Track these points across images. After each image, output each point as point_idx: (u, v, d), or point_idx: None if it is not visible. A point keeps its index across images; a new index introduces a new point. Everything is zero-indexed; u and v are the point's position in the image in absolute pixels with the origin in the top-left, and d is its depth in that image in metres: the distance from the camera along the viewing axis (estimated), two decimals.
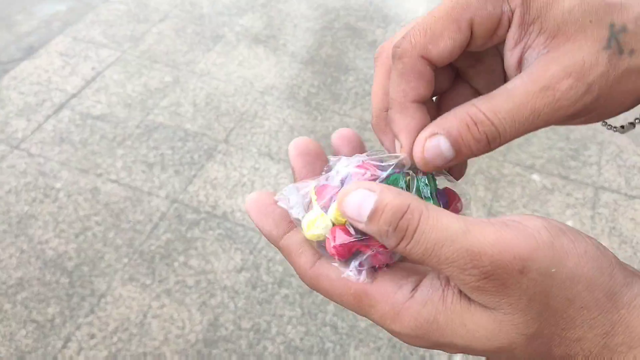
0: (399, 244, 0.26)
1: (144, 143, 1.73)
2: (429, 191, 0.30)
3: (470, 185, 1.63)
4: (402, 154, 0.30)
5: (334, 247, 0.28)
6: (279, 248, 0.31)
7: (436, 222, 0.25)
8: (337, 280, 0.28)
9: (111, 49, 2.05)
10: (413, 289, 0.27)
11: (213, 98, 1.88)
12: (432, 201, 0.30)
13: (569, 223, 1.55)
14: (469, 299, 0.26)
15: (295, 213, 0.30)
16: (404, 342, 0.28)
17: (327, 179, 0.30)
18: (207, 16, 2.23)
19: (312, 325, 1.33)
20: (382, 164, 0.30)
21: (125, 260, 1.44)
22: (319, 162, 0.32)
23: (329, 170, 0.31)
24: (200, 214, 1.54)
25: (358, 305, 0.28)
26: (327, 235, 0.28)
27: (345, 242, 0.28)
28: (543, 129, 1.63)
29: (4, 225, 1.50)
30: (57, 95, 1.87)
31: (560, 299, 0.25)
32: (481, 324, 0.26)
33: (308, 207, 0.30)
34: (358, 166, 0.30)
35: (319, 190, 0.29)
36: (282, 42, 2.12)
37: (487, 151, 0.29)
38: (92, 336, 1.31)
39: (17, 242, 1.47)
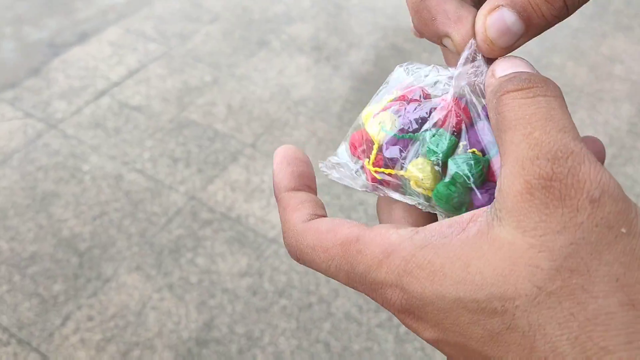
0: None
1: (173, 138, 1.76)
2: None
3: None
4: (452, 70, 0.27)
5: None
6: (278, 200, 0.28)
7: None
8: (326, 232, 0.25)
9: (159, 44, 2.11)
10: (414, 231, 0.23)
11: (248, 102, 1.90)
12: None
13: None
14: (494, 231, 0.21)
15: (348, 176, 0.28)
16: (381, 301, 0.23)
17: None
18: (256, 22, 2.27)
19: (304, 340, 1.32)
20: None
21: (135, 249, 1.46)
22: (305, 172, 0.29)
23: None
24: (215, 214, 1.55)
25: (344, 257, 0.24)
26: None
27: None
28: None
29: (28, 200, 1.56)
30: (100, 82, 1.93)
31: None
32: (492, 259, 0.20)
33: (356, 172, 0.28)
34: (401, 98, 0.27)
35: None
36: (325, 55, 2.13)
37: (565, 17, 0.24)
38: (91, 318, 1.33)
39: (37, 218, 1.52)
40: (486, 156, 0.25)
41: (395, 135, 0.27)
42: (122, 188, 1.61)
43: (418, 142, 0.26)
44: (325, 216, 0.27)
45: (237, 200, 1.59)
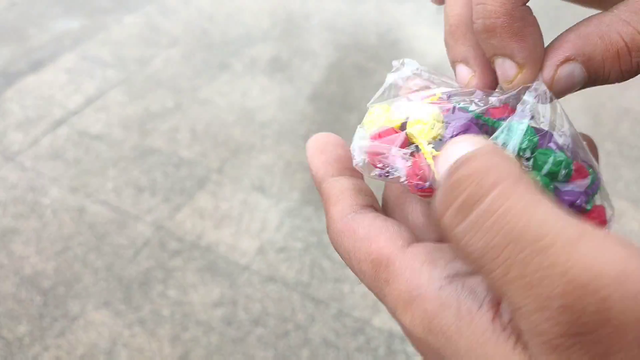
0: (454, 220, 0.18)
1: (137, 166, 1.72)
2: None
3: None
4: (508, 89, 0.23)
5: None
6: (320, 190, 0.26)
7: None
8: (361, 240, 0.22)
9: (117, 70, 2.07)
10: (452, 276, 0.20)
11: (212, 127, 1.87)
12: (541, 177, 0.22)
13: None
14: (515, 337, 0.17)
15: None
16: (415, 345, 0.21)
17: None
18: (217, 45, 2.25)
19: None
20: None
21: (103, 284, 1.42)
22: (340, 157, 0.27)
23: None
24: (184, 243, 1.52)
25: (374, 277, 0.22)
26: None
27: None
28: None
29: None
30: (57, 112, 1.87)
31: None
32: None
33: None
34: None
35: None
36: (288, 76, 2.12)
37: (623, 80, 0.22)
38: (59, 359, 1.28)
39: None
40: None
41: (476, 115, 0.23)
42: (85, 221, 1.56)
43: (500, 130, 0.22)
44: (369, 205, 0.25)
45: (206, 228, 1.56)
